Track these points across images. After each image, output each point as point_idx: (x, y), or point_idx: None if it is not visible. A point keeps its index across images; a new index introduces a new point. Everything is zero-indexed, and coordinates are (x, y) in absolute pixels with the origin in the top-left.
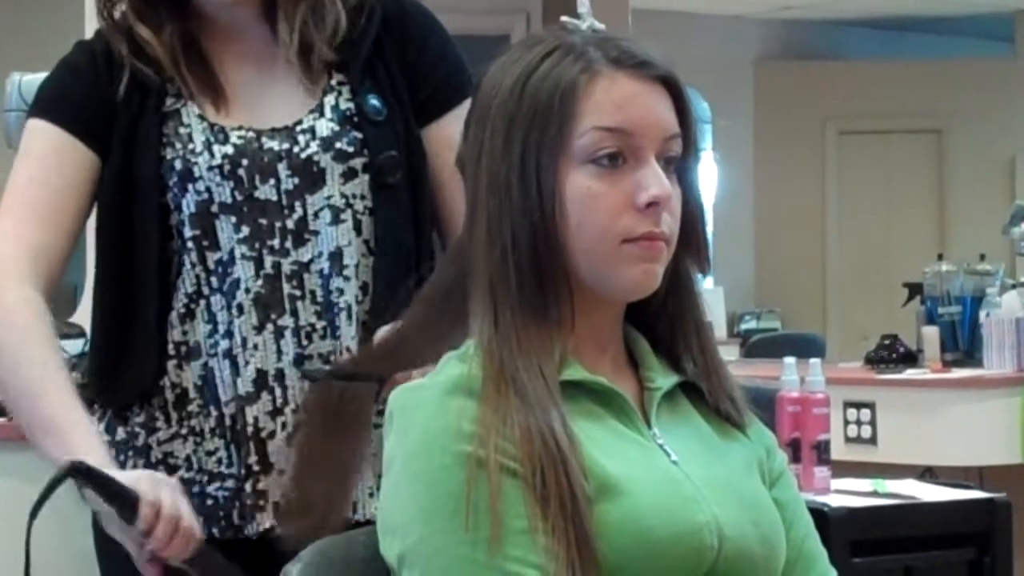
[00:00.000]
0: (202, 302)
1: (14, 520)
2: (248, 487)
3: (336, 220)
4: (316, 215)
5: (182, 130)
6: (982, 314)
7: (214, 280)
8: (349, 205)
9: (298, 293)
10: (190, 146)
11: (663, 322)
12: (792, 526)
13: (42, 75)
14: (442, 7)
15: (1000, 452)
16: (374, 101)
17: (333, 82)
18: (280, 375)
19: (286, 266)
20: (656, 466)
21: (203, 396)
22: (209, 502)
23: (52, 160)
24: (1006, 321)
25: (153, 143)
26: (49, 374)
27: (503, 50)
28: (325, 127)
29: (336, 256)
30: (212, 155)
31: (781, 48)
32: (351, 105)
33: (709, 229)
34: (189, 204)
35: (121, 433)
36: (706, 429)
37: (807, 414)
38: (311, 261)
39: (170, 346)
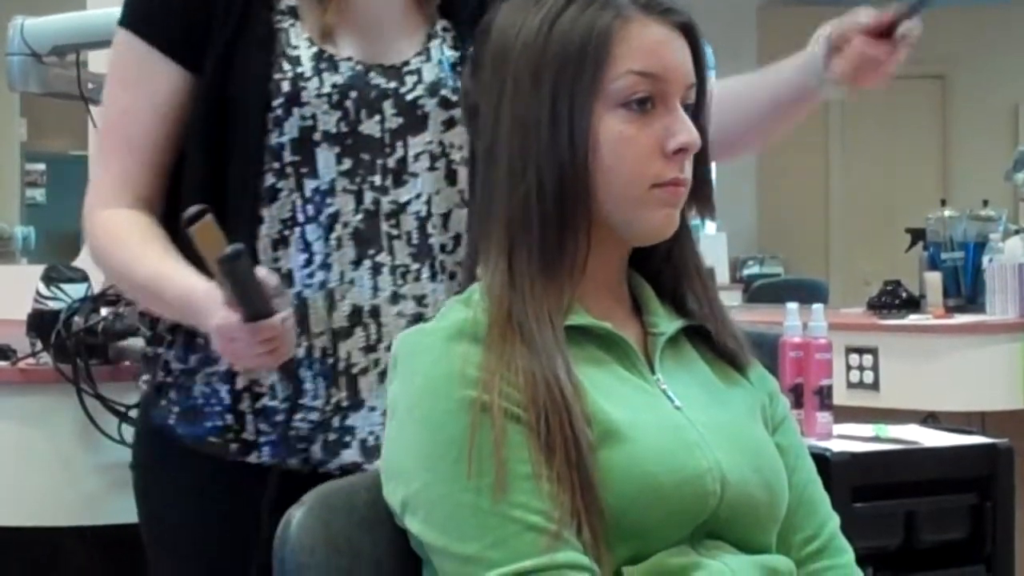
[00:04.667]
0: (296, 230)
1: (12, 461)
2: (336, 422)
3: (432, 167)
4: (416, 158)
5: (290, 51)
6: (985, 260)
7: (310, 209)
8: (445, 154)
9: (395, 232)
10: (299, 69)
11: (667, 267)
12: (794, 472)
13: (44, 18)
14: None
15: (1002, 397)
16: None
17: (438, 27)
18: (375, 311)
19: (385, 204)
20: (659, 412)
21: (296, 325)
22: (291, 433)
23: (143, 89)
24: (1009, 267)
25: (261, 61)
26: (142, 248)
27: None
28: (431, 72)
29: (430, 202)
30: (322, 82)
31: None
32: (455, 54)
33: (713, 175)
34: (292, 128)
35: (192, 361)
36: (709, 375)
37: (809, 359)
38: (408, 203)
39: None
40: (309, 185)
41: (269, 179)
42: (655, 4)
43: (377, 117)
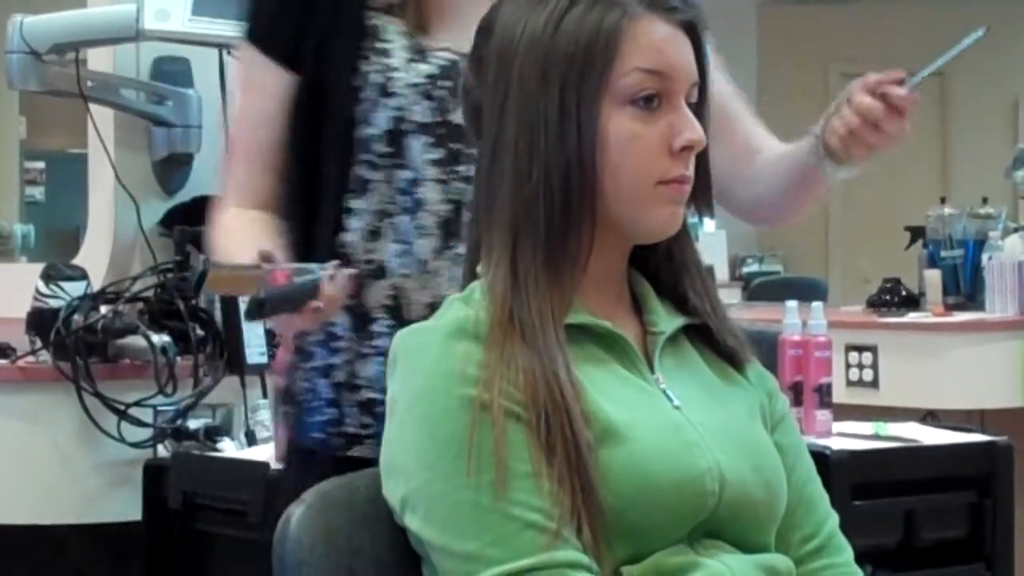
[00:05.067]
0: (388, 221)
1: (12, 460)
2: None
3: None
4: None
5: (379, 44)
6: (984, 257)
7: (402, 199)
8: None
9: None
10: (389, 61)
11: (667, 266)
12: (794, 470)
13: (44, 16)
14: None
15: (1002, 395)
16: None
17: None
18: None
19: (470, 194)
20: (659, 412)
21: (392, 316)
22: None
23: (256, 96)
24: (1008, 264)
25: (349, 55)
26: (238, 234)
27: None
28: None
29: None
30: (412, 73)
31: None
32: None
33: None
34: (381, 120)
35: (296, 359)
36: (708, 374)
37: (809, 357)
38: None
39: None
40: (401, 176)
41: (361, 171)
42: (661, 2)
43: None
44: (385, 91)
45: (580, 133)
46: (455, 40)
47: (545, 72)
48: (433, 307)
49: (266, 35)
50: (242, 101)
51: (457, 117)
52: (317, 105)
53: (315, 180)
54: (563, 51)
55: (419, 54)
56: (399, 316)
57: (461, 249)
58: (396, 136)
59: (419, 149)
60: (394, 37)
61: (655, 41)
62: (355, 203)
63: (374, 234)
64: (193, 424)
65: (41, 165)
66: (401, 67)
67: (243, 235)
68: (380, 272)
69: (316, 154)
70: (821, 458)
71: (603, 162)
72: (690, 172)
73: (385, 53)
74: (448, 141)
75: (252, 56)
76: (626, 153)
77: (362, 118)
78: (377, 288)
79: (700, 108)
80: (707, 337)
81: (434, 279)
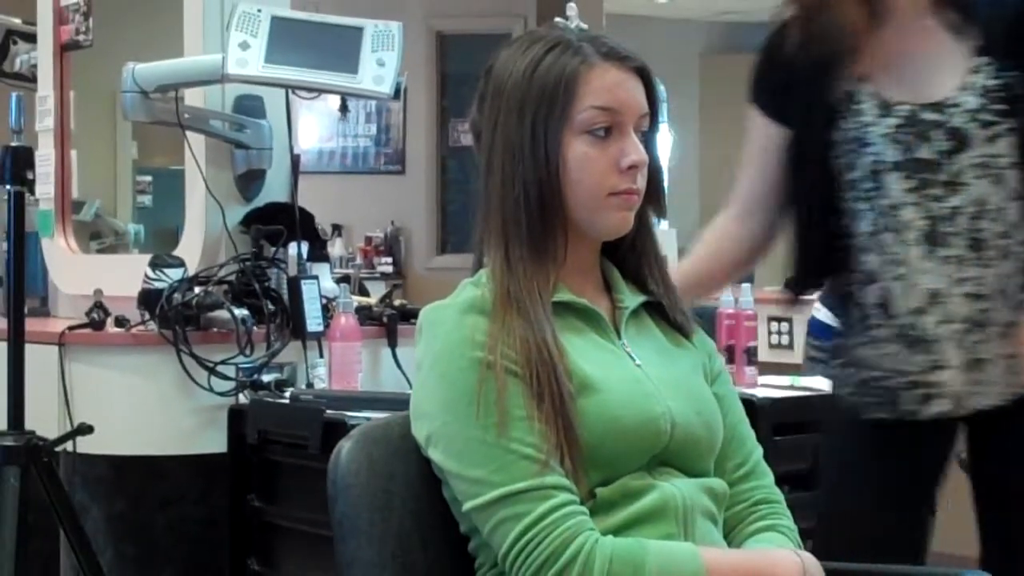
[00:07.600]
0: (876, 238)
1: (127, 405)
2: (929, 378)
3: (981, 175)
4: (964, 171)
5: (854, 105)
6: None
7: (884, 221)
8: (990, 164)
9: (951, 230)
10: (863, 118)
11: (632, 256)
12: (728, 414)
13: (151, 64)
14: (456, 11)
15: None
16: (1013, 77)
17: (978, 62)
18: (944, 293)
19: (943, 210)
20: (624, 369)
21: (882, 312)
22: (883, 392)
23: (759, 153)
24: None
25: (829, 116)
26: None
27: (507, 43)
28: (972, 102)
29: (980, 203)
30: (882, 126)
31: (722, 44)
32: (995, 82)
33: (666, 183)
34: (864, 164)
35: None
36: (662, 340)
37: (739, 326)
38: (960, 207)
39: (853, 274)
40: (883, 203)
41: (851, 204)
42: (614, 53)
43: (928, 144)
44: (863, 142)
45: (548, 157)
46: (911, 93)
47: (522, 108)
48: (928, 297)
49: (764, 101)
50: (753, 159)
51: (921, 153)
52: (799, 154)
53: (804, 206)
54: (535, 93)
55: (884, 108)
56: (888, 311)
57: (943, 251)
58: (876, 175)
59: (896, 182)
60: (864, 97)
61: (607, 84)
62: (847, 226)
63: (865, 249)
64: (266, 378)
65: (149, 179)
66: (873, 121)
67: (699, 247)
68: (874, 277)
69: (799, 188)
70: (749, 404)
71: (565, 179)
72: (638, 185)
73: (859, 111)
74: (917, 172)
75: (756, 119)
76: (583, 172)
77: (845, 165)
78: (870, 291)
79: (651, 133)
80: (662, 311)
81: (925, 276)
